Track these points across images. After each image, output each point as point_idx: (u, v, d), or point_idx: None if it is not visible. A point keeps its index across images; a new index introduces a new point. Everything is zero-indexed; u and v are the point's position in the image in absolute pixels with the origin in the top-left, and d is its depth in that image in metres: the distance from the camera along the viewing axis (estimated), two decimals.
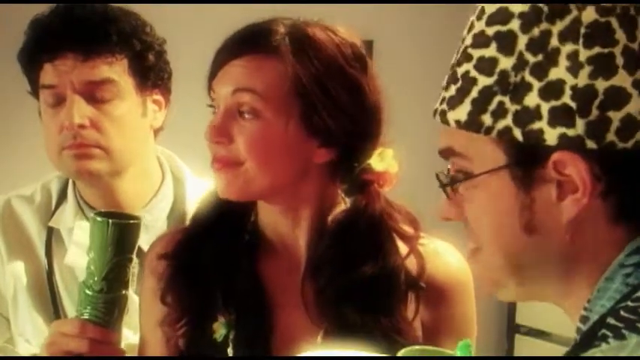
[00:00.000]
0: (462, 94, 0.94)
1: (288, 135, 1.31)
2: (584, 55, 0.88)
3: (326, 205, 1.39)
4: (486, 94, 0.92)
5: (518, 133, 0.90)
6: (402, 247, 1.38)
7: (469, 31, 0.96)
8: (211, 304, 1.36)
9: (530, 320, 3.63)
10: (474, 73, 0.93)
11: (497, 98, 0.91)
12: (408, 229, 1.39)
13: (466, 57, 0.95)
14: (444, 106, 0.96)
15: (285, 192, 1.35)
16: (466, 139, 0.94)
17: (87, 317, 1.42)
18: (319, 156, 1.34)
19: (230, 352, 1.34)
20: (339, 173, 1.37)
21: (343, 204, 1.41)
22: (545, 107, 0.89)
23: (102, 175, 1.66)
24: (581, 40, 0.88)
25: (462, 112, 0.94)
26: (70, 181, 1.76)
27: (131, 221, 1.43)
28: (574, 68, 0.88)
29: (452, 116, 0.95)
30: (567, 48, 0.88)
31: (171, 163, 1.79)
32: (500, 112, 0.91)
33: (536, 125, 0.89)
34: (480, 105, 0.92)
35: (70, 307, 1.69)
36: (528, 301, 1.01)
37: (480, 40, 0.93)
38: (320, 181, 1.37)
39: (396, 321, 1.34)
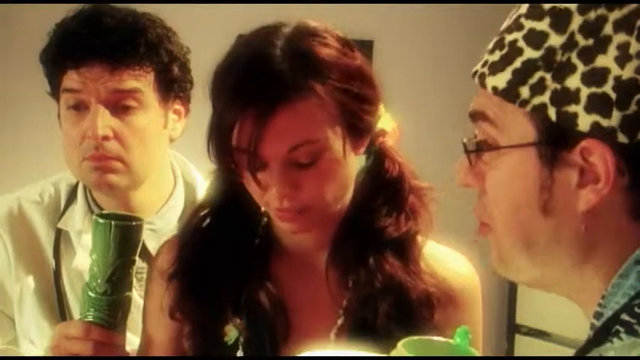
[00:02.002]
0: (506, 61, 0.93)
1: (345, 151, 1.30)
2: (635, 48, 0.87)
3: (357, 187, 1.39)
4: (529, 66, 0.91)
5: (552, 112, 0.89)
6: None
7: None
8: (223, 307, 1.35)
9: (530, 320, 3.63)
10: (521, 43, 0.92)
11: (539, 73, 0.90)
12: (419, 182, 1.40)
13: (517, 25, 0.93)
14: (485, 70, 0.95)
15: (344, 199, 1.36)
16: (499, 107, 0.93)
17: (91, 319, 1.41)
18: (359, 147, 1.35)
19: (240, 354, 1.34)
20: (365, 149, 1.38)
21: None
22: (584, 92, 0.88)
23: (121, 187, 1.65)
24: (635, 33, 0.87)
25: (501, 80, 0.93)
26: (81, 182, 1.76)
27: (133, 223, 1.42)
28: (622, 59, 0.87)
29: (490, 82, 0.94)
30: (619, 38, 0.87)
31: (183, 169, 1.78)
32: (539, 88, 0.90)
33: (572, 108, 0.88)
34: (521, 76, 0.91)
35: (76, 310, 1.67)
36: (541, 288, 0.99)
37: (535, 12, 0.92)
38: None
39: (421, 269, 1.36)
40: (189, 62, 1.70)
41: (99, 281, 1.40)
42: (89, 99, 1.61)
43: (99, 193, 1.72)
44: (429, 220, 1.39)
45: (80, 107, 1.62)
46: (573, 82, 0.89)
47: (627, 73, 0.87)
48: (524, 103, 0.91)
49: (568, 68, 0.89)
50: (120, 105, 1.61)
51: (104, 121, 1.60)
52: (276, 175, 1.27)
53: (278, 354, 1.34)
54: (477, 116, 0.96)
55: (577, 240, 0.92)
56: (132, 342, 1.52)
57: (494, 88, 0.93)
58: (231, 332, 1.35)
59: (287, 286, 1.39)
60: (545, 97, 0.90)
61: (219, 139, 1.28)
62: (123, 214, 1.50)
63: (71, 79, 1.61)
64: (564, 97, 0.89)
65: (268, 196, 1.29)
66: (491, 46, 0.96)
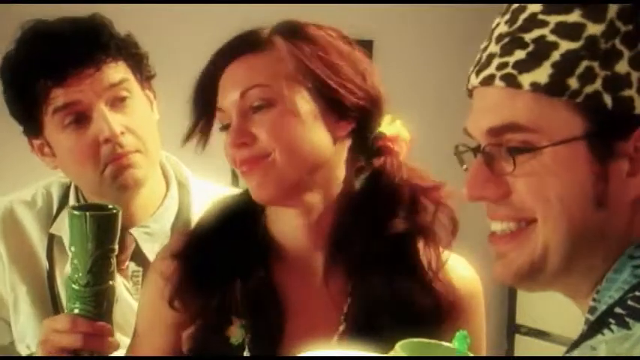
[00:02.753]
0: (538, 57, 0.92)
1: (305, 113, 1.32)
2: None
3: (350, 191, 1.39)
4: (571, 58, 0.91)
5: (608, 99, 0.89)
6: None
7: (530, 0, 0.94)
8: (226, 308, 1.35)
9: (530, 320, 3.63)
10: (552, 37, 0.92)
11: (585, 63, 0.90)
12: (424, 182, 1.39)
13: (537, 23, 0.93)
14: (510, 70, 0.93)
15: (319, 177, 1.35)
16: (535, 106, 0.92)
17: (77, 312, 1.41)
18: (340, 129, 1.35)
19: (247, 354, 1.34)
20: (356, 145, 1.38)
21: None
22: (635, 76, 0.89)
23: (143, 182, 1.64)
24: None
25: (541, 75, 0.92)
26: (72, 186, 1.74)
27: (109, 212, 1.42)
28: None
29: (527, 79, 0.92)
30: None
31: (175, 169, 1.78)
32: (588, 77, 0.90)
33: (627, 92, 0.89)
34: (565, 68, 0.91)
35: None
36: (548, 290, 0.98)
37: (558, 7, 0.92)
38: (344, 158, 1.38)
39: (425, 278, 1.35)
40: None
41: (80, 274, 1.40)
42: (88, 106, 1.59)
43: (92, 197, 1.69)
44: (447, 220, 1.38)
45: (80, 119, 1.60)
46: (623, 67, 0.89)
47: None
48: (575, 94, 0.90)
49: (615, 54, 0.89)
50: (117, 99, 1.61)
51: (114, 118, 1.59)
52: (234, 123, 1.33)
53: (279, 354, 1.34)
54: (505, 129, 0.94)
55: (620, 232, 0.91)
56: (125, 344, 1.51)
57: (534, 84, 0.92)
58: (237, 333, 1.35)
59: (287, 289, 1.39)
60: (597, 85, 0.89)
61: (202, 99, 1.38)
62: (98, 204, 1.48)
63: (60, 95, 1.59)
64: (617, 82, 0.89)
65: (237, 154, 1.33)
66: (497, 50, 0.95)
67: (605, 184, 0.90)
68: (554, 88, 0.91)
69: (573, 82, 0.90)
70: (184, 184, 1.76)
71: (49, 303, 1.71)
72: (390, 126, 1.41)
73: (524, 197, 0.93)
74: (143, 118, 1.64)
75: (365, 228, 1.36)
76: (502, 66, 0.94)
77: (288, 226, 1.39)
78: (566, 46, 0.91)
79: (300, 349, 1.25)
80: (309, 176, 1.34)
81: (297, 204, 1.36)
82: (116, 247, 1.42)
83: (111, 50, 1.61)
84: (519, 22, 0.94)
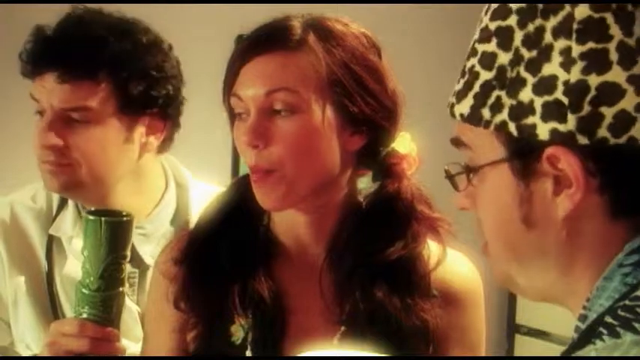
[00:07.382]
0: (467, 88, 0.95)
1: (326, 125, 1.31)
2: (576, 50, 0.88)
3: (351, 194, 1.39)
4: (486, 88, 0.93)
5: (512, 128, 0.91)
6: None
7: (479, 26, 0.97)
8: (228, 306, 1.36)
9: (530, 320, 3.63)
10: (477, 67, 0.95)
11: (496, 93, 0.92)
12: (430, 211, 1.39)
13: (473, 52, 0.96)
14: (454, 100, 0.98)
15: (324, 188, 1.35)
16: (470, 131, 0.96)
17: (86, 316, 1.42)
18: (352, 143, 1.35)
19: (249, 354, 1.34)
20: (364, 159, 1.38)
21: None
22: (538, 102, 0.90)
23: (68, 188, 1.65)
24: (574, 36, 0.89)
25: (465, 106, 0.95)
26: None
27: (123, 219, 1.43)
28: (566, 64, 0.89)
29: (457, 110, 0.97)
30: (560, 44, 0.89)
31: (174, 170, 1.78)
32: (497, 107, 0.92)
33: (530, 120, 0.90)
34: (481, 99, 0.93)
35: (70, 314, 1.67)
36: (540, 301, 1.00)
37: (484, 35, 0.95)
38: (350, 170, 1.37)
39: (421, 301, 1.35)
40: (168, 78, 1.66)
41: (92, 278, 1.41)
42: (44, 108, 1.62)
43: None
44: (439, 244, 1.39)
45: (42, 114, 1.63)
46: (526, 94, 0.90)
47: (574, 76, 0.88)
48: (487, 124, 0.93)
49: (519, 82, 0.91)
50: (71, 116, 1.61)
51: (54, 130, 1.61)
52: (252, 121, 1.30)
53: (280, 353, 1.34)
54: (455, 142, 0.99)
55: (561, 248, 0.93)
56: (128, 347, 1.51)
57: (461, 115, 0.96)
58: (238, 332, 1.35)
59: (288, 287, 1.39)
60: (504, 115, 0.91)
61: (224, 87, 1.34)
62: (111, 210, 1.50)
63: (34, 86, 1.64)
64: (520, 110, 0.90)
65: (247, 152, 1.31)
66: (459, 76, 0.99)
67: (529, 205, 0.92)
68: (473, 119, 0.94)
69: (486, 113, 0.93)
70: (183, 185, 1.76)
71: (47, 303, 1.71)
72: (402, 143, 1.40)
73: (481, 219, 0.98)
74: (95, 141, 1.63)
75: (364, 241, 1.36)
76: (453, 94, 0.99)
77: (292, 224, 1.39)
78: (484, 76, 0.94)
79: (302, 348, 1.26)
80: (316, 187, 1.34)
81: (301, 206, 1.36)
82: (128, 253, 1.43)
83: (89, 71, 1.60)
84: (469, 49, 0.98)
